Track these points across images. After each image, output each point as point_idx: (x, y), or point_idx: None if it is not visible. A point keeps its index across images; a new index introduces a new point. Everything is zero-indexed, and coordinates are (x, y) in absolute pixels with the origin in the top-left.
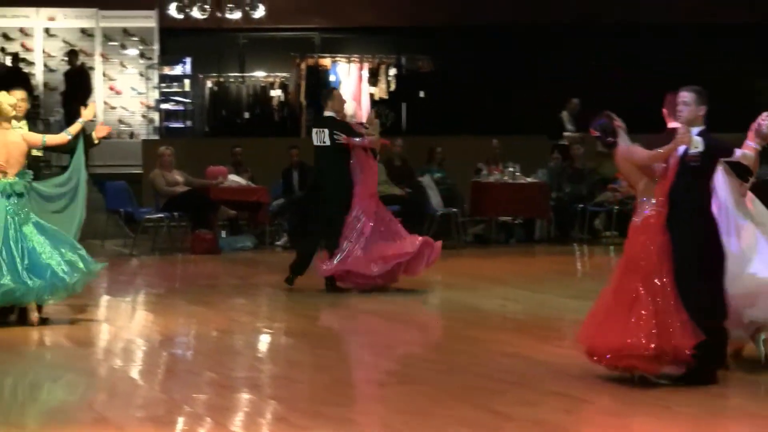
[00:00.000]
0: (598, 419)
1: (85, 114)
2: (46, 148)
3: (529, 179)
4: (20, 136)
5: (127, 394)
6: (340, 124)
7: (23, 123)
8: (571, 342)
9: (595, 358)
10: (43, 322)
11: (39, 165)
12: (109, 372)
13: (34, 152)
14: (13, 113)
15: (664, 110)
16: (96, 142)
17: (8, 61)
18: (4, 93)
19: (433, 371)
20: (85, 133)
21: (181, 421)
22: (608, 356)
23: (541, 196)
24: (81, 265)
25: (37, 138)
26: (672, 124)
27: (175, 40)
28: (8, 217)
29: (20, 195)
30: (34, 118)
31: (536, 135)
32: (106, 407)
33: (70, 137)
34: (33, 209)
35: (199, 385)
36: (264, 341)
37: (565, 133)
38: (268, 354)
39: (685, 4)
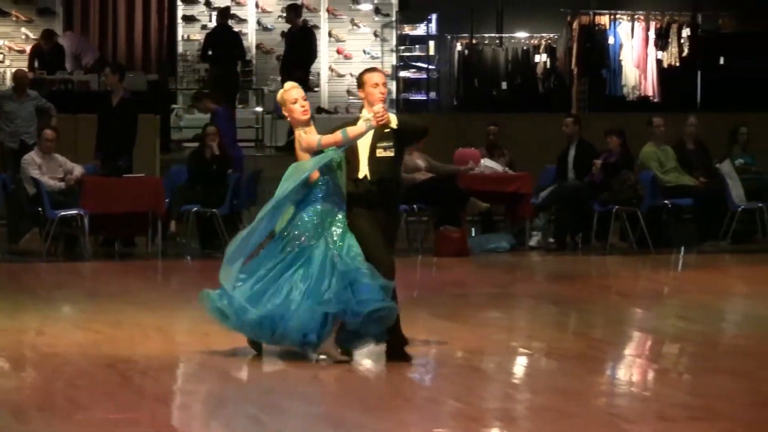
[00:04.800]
0: None
1: (376, 114)
2: None
3: None
4: (299, 140)
5: (355, 426)
6: None
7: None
8: None
9: None
10: None
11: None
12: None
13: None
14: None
15: None
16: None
17: (214, 18)
18: (291, 85)
19: (737, 405)
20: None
21: None
22: None
23: None
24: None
25: (313, 140)
26: None
27: None
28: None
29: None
30: (246, 88)
31: None
32: None
33: (345, 138)
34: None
35: (440, 417)
36: (521, 364)
37: None
38: (527, 380)
39: None
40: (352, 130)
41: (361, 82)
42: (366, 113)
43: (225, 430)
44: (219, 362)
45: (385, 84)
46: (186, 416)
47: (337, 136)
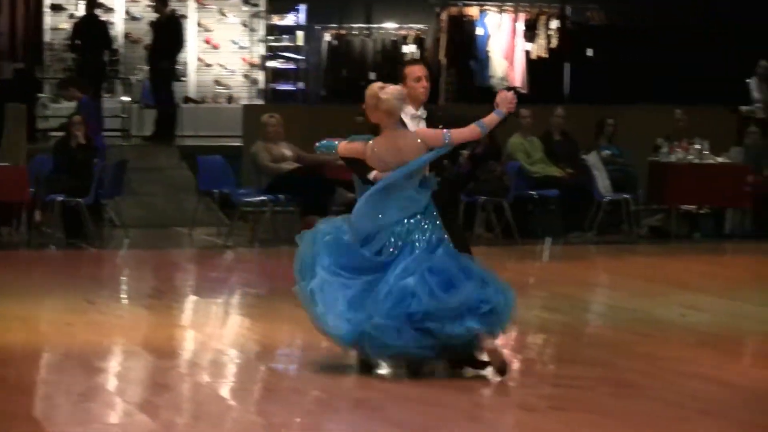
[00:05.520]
0: None
1: (504, 102)
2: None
3: (719, 159)
4: (416, 135)
5: (216, 416)
6: None
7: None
8: None
9: None
10: None
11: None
12: (194, 389)
13: None
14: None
15: None
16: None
17: (81, 8)
18: (380, 85)
19: (598, 395)
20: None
21: None
22: None
23: (735, 181)
24: None
25: (438, 135)
26: None
27: None
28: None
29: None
30: (113, 77)
31: (731, 104)
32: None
33: (483, 130)
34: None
35: (303, 406)
36: None
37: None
38: (392, 370)
39: None
40: (488, 121)
41: (401, 76)
42: (409, 109)
43: (88, 421)
44: (83, 353)
45: (427, 77)
46: (48, 407)
47: (474, 129)
